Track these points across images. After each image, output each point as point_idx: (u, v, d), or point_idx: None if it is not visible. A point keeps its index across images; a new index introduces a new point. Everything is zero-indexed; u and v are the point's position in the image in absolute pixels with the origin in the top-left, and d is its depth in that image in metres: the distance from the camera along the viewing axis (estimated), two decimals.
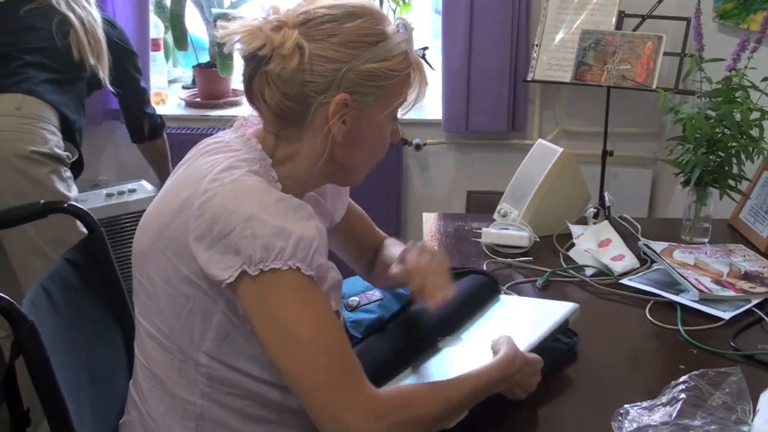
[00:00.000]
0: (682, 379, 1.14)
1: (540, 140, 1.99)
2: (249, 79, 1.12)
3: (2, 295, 1.07)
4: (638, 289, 1.58)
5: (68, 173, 2.13)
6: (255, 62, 1.09)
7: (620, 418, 1.09)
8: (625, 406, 1.11)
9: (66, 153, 2.12)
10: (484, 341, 1.23)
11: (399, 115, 1.19)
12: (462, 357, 1.26)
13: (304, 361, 1.00)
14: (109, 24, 2.34)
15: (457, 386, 1.09)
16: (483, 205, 2.99)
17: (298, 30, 1.07)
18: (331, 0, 1.11)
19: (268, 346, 1.02)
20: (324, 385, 0.99)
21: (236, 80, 3.15)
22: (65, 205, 1.48)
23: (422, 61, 1.17)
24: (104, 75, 2.22)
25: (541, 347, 1.23)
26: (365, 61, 1.08)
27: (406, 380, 1.21)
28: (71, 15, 2.14)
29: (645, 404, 1.11)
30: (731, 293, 1.54)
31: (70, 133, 2.16)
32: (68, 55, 2.14)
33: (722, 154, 1.71)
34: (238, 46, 1.08)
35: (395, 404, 1.02)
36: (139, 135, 2.53)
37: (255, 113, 1.16)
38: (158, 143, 2.60)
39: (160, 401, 1.15)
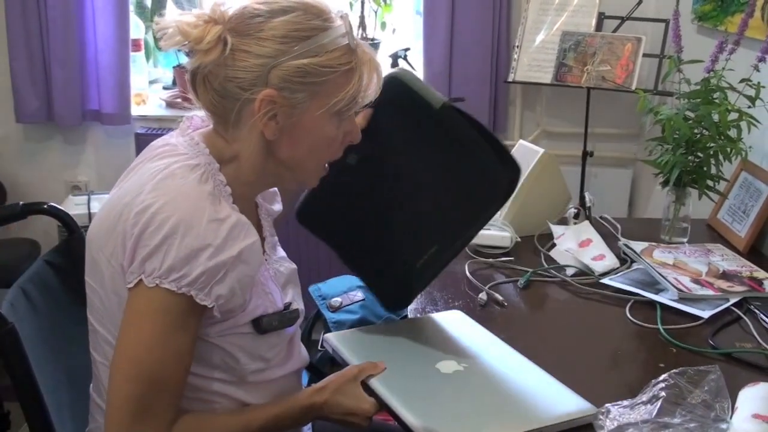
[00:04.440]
0: (662, 377, 1.15)
1: (521, 141, 1.99)
2: (191, 75, 1.10)
3: None
4: (618, 288, 1.58)
5: None
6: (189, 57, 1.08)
7: (601, 416, 1.10)
8: (606, 404, 1.12)
9: None
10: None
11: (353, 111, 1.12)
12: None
13: (118, 379, 1.01)
14: None
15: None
16: None
17: (224, 25, 1.05)
18: None
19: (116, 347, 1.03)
20: (117, 411, 1.00)
21: None
22: (45, 206, 1.47)
23: (374, 57, 1.11)
24: None
25: None
26: (294, 56, 1.04)
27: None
28: None
29: (626, 403, 1.12)
30: (710, 292, 1.55)
31: None
32: None
33: (701, 155, 1.73)
34: (162, 41, 1.06)
35: None
36: None
37: (201, 112, 1.15)
38: None
39: None
